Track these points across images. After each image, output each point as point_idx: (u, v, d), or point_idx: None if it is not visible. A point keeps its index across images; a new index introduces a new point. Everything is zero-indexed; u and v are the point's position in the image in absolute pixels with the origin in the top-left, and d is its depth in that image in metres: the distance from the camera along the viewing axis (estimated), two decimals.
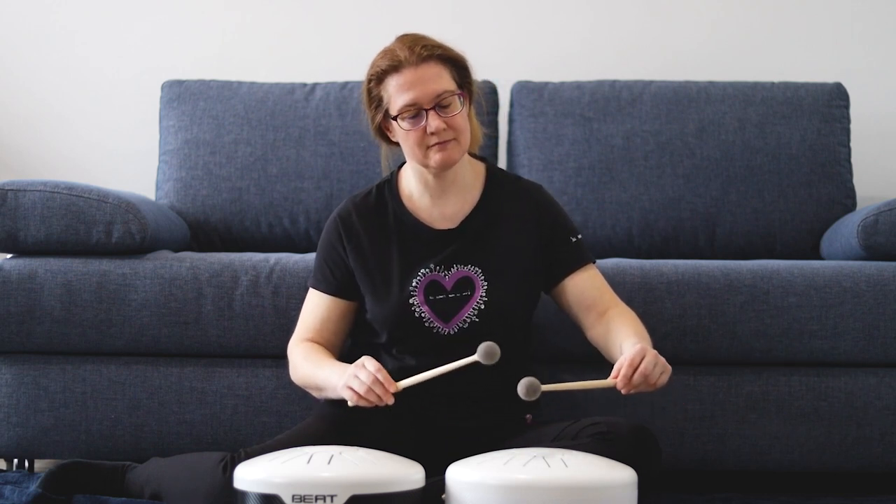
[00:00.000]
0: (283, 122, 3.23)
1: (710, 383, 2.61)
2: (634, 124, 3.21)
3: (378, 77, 2.31)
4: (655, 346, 2.37)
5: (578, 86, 3.28)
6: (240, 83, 3.31)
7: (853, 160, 3.26)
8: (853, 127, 3.28)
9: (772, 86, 3.27)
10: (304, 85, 3.30)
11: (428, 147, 2.30)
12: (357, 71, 3.41)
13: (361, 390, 2.16)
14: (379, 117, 2.35)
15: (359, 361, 2.20)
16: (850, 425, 2.60)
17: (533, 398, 2.09)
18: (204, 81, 3.32)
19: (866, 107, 3.42)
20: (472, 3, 3.58)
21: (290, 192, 3.19)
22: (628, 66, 3.49)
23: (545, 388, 2.10)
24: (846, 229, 2.85)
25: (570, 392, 2.58)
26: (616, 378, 2.12)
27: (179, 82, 3.32)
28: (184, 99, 3.28)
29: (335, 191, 3.18)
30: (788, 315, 2.60)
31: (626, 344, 2.22)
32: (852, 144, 3.26)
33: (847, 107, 3.26)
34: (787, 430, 2.61)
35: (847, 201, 3.18)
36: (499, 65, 3.38)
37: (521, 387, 2.09)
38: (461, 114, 2.30)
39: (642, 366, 2.12)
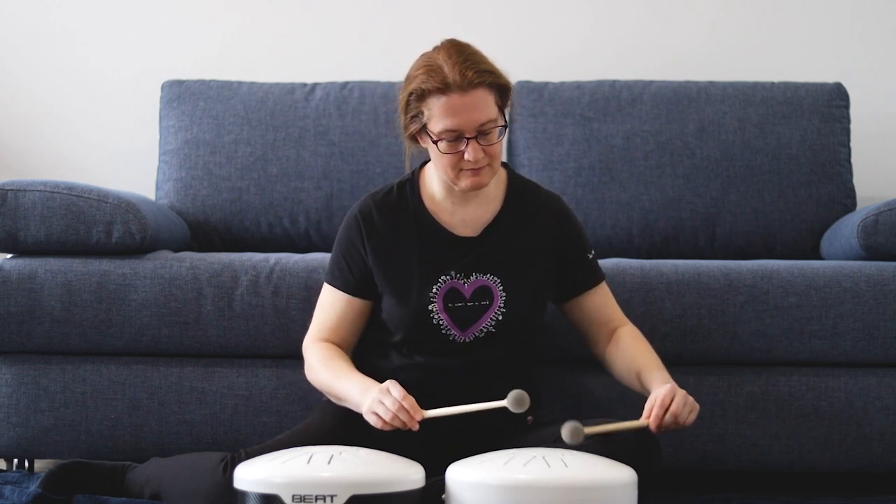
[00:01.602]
0: (283, 122, 3.23)
1: (710, 383, 2.61)
2: (634, 124, 3.21)
3: (420, 94, 2.25)
4: (655, 347, 2.39)
5: (578, 86, 3.28)
6: (240, 83, 3.31)
7: (853, 160, 3.26)
8: (853, 127, 3.28)
9: (772, 86, 3.27)
10: (304, 85, 3.30)
11: (461, 170, 2.28)
12: (357, 71, 3.44)
13: (387, 417, 2.17)
14: (414, 128, 2.30)
15: (383, 386, 2.20)
16: (850, 425, 2.60)
17: (577, 443, 2.10)
18: (204, 81, 3.32)
19: (866, 107, 3.42)
20: (472, 3, 3.58)
21: (290, 192, 3.19)
22: (628, 66, 3.49)
23: (588, 431, 2.12)
24: (846, 229, 2.84)
25: (571, 394, 2.59)
26: (648, 419, 2.17)
27: (179, 82, 3.32)
28: (184, 99, 3.28)
29: (335, 191, 3.18)
30: (788, 315, 2.60)
31: (652, 377, 2.27)
32: (852, 144, 3.26)
33: (847, 107, 3.26)
34: (787, 430, 2.61)
35: (847, 201, 3.18)
36: (499, 65, 3.37)
37: (566, 431, 2.10)
38: (500, 142, 2.28)
39: (673, 406, 2.17)
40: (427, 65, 2.27)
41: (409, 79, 2.30)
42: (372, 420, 2.19)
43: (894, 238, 2.69)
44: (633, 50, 3.55)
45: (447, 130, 2.24)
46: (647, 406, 2.19)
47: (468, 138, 2.24)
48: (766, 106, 3.22)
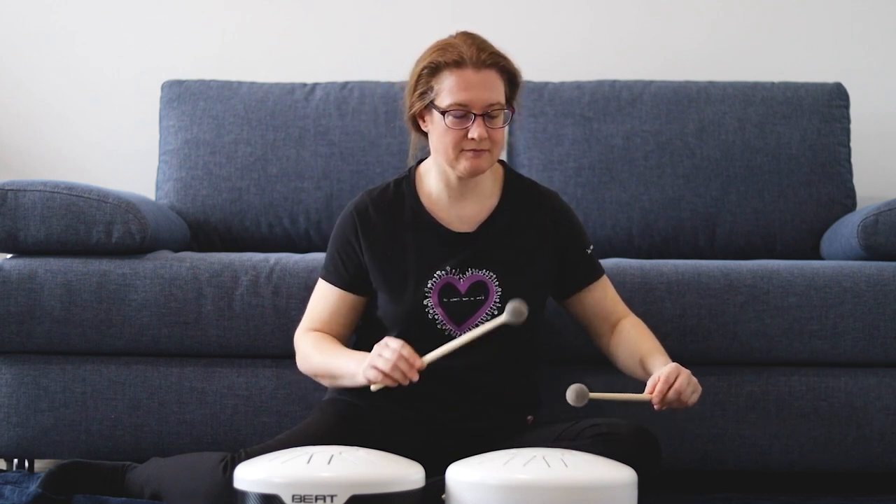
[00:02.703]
0: (283, 122, 3.23)
1: (710, 383, 2.61)
2: (634, 124, 3.21)
3: (434, 67, 2.29)
4: None
5: (578, 86, 3.28)
6: (240, 83, 3.31)
7: (853, 160, 3.26)
8: (853, 127, 3.28)
9: (772, 86, 3.27)
10: (304, 85, 3.30)
11: (462, 150, 2.29)
12: (357, 71, 3.44)
13: (387, 368, 2.16)
14: (420, 105, 2.32)
15: (381, 342, 2.21)
16: (850, 425, 2.60)
17: (581, 404, 2.13)
18: (204, 81, 3.32)
19: (866, 107, 3.42)
20: (472, 3, 3.58)
21: (290, 192, 3.19)
22: (628, 66, 3.49)
23: (592, 396, 2.16)
24: (846, 229, 2.85)
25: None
26: (651, 393, 2.18)
27: (179, 82, 3.32)
28: (184, 99, 3.28)
29: (335, 191, 3.18)
30: (788, 315, 2.60)
31: (655, 360, 2.28)
32: (852, 144, 3.26)
33: (847, 107, 3.26)
34: (787, 430, 2.61)
35: (847, 201, 3.18)
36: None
37: (571, 392, 2.13)
38: (503, 128, 2.30)
39: (677, 383, 2.18)
40: (442, 44, 2.32)
41: (421, 57, 2.33)
42: (371, 374, 2.19)
43: (894, 238, 2.69)
44: (633, 50, 3.55)
45: (457, 104, 2.26)
46: (650, 381, 2.20)
47: (475, 115, 2.26)
48: (766, 106, 3.22)
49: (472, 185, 2.37)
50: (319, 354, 2.34)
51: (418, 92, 2.32)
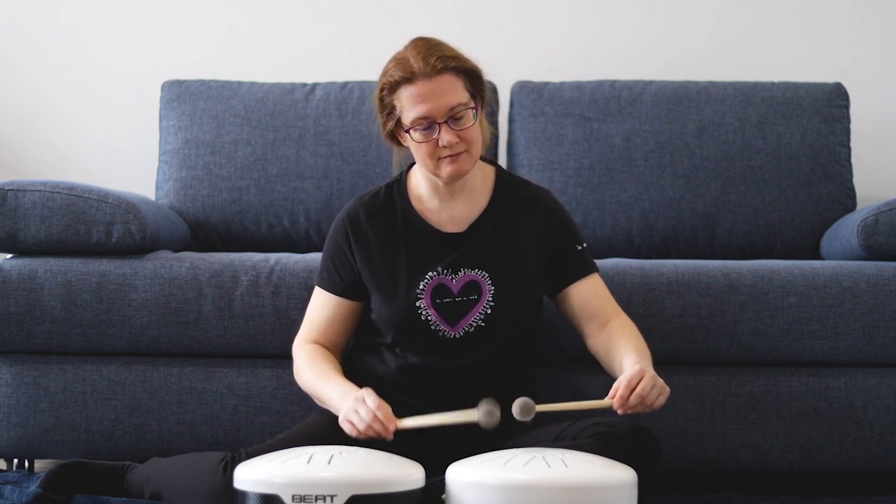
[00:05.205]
0: (283, 122, 3.23)
1: (710, 383, 2.61)
2: (634, 124, 3.21)
3: (390, 87, 2.30)
4: (655, 347, 2.39)
5: (578, 86, 3.28)
6: (240, 83, 3.31)
7: (853, 160, 3.26)
8: (853, 127, 3.28)
9: (772, 86, 3.27)
10: (304, 85, 3.30)
11: (439, 158, 2.29)
12: (357, 71, 3.44)
13: (361, 426, 2.17)
14: (391, 124, 2.33)
15: (359, 395, 2.21)
16: (850, 425, 2.60)
17: (528, 418, 2.11)
18: (204, 81, 3.32)
19: (866, 107, 3.42)
20: (472, 3, 3.58)
21: (290, 192, 3.19)
22: (628, 66, 3.49)
23: (540, 408, 2.12)
24: (846, 229, 2.85)
25: (570, 394, 2.59)
26: (613, 398, 2.14)
27: (179, 82, 3.32)
28: (184, 99, 3.28)
29: (335, 191, 3.18)
30: (788, 315, 2.60)
31: (626, 361, 2.23)
32: (852, 144, 3.26)
33: (847, 107, 3.26)
34: (787, 430, 2.61)
35: (847, 201, 3.18)
36: (499, 65, 3.35)
37: (516, 407, 2.10)
38: (474, 126, 2.29)
39: (639, 387, 2.13)
40: (395, 59, 2.32)
41: (381, 76, 2.34)
42: (347, 428, 2.20)
43: (894, 238, 2.69)
44: (633, 50, 3.55)
45: (419, 118, 2.27)
46: (613, 386, 2.16)
47: (440, 123, 2.26)
48: (766, 106, 3.22)
49: (461, 185, 2.37)
50: (310, 374, 2.35)
51: (384, 112, 2.33)
